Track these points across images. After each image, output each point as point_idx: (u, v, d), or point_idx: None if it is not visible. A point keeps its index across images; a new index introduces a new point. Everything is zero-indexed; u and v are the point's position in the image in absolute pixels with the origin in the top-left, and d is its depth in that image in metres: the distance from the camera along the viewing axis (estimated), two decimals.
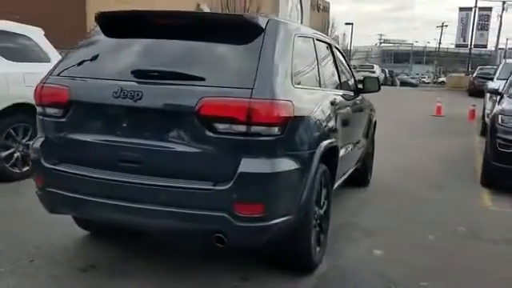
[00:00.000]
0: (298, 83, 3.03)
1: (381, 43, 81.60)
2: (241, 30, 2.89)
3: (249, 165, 2.62)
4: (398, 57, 79.38)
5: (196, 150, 2.67)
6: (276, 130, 2.67)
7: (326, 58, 4.04)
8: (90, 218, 3.35)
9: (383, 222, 4.63)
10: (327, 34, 46.42)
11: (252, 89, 2.62)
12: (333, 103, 3.61)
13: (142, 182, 2.71)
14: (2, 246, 3.49)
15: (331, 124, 3.46)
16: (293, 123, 2.78)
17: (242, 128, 2.61)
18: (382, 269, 3.52)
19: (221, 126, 2.63)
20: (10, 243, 3.56)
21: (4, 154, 5.14)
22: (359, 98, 5.05)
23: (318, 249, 3.38)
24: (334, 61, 4.28)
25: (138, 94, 2.70)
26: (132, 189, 2.72)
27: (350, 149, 4.46)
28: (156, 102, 2.72)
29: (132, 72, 2.82)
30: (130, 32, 3.08)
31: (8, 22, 5.69)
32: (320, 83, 3.57)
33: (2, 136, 5.12)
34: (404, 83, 43.58)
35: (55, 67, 3.12)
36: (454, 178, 6.74)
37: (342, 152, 3.93)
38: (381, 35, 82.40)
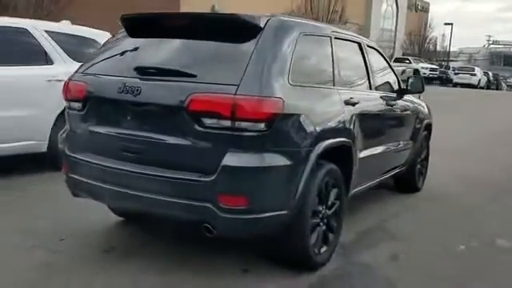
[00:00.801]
0: (298, 81, 3.04)
1: (490, 44, 75.91)
2: (238, 30, 2.99)
3: (233, 158, 2.72)
4: (509, 59, 73.22)
5: (187, 143, 2.83)
6: (262, 125, 2.73)
7: (350, 57, 3.98)
8: (100, 202, 3.66)
9: (416, 228, 4.42)
10: (423, 35, 43.92)
11: (238, 85, 2.72)
12: (348, 103, 3.56)
13: (138, 171, 2.92)
14: (41, 224, 3.90)
15: (341, 123, 3.42)
16: (282, 120, 2.83)
17: (228, 123, 2.72)
18: (394, 275, 3.40)
19: (208, 121, 2.76)
20: (48, 223, 3.96)
21: None
22: (402, 98, 4.87)
23: (324, 248, 3.37)
24: (364, 60, 4.19)
25: (137, 90, 2.92)
26: (129, 177, 2.94)
27: (382, 151, 4.33)
28: (152, 97, 2.93)
29: (135, 69, 3.07)
30: (143, 32, 3.32)
31: (78, 26, 6.34)
32: (334, 82, 3.54)
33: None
34: None
35: (81, 65, 3.46)
36: None
37: (364, 153, 3.86)
38: (489, 36, 76.74)
